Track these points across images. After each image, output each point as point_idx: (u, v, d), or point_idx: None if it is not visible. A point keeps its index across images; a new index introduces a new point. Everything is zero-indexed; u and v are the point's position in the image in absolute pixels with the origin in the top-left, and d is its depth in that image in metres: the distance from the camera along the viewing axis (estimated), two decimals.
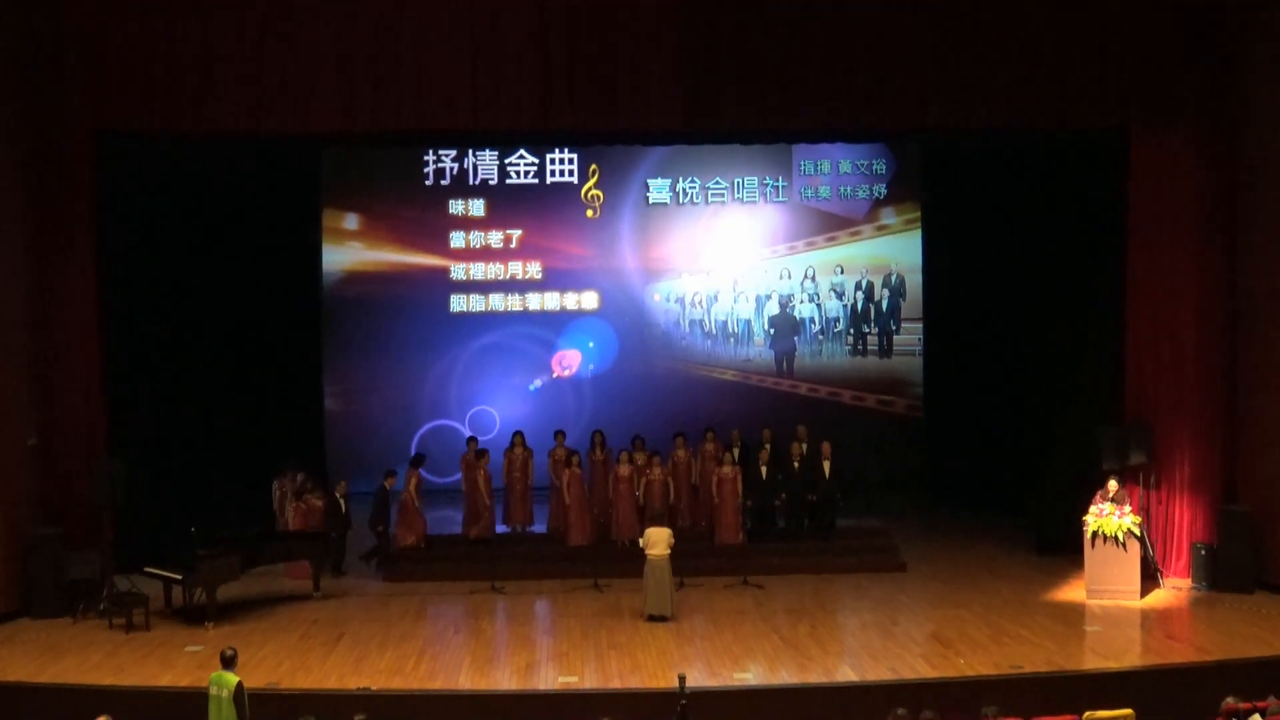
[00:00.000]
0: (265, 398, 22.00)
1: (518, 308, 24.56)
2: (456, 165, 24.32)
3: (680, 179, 24.51)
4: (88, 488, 17.12)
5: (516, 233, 24.45)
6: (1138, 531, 17.17)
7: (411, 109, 17.47)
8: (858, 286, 24.66)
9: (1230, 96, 17.86)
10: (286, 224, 22.91)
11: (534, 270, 24.51)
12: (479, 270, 24.49)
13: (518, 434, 20.27)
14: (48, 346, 17.56)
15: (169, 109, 17.31)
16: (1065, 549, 18.50)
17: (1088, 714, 11.83)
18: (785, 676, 14.37)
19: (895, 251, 24.68)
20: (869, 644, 15.42)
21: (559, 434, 20.33)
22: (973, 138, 20.42)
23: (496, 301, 24.52)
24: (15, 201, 17.25)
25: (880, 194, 24.59)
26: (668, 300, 24.69)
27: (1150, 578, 17.71)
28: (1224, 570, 17.57)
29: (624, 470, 19.32)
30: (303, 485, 19.44)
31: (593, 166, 24.30)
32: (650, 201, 24.54)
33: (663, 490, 19.26)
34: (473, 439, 20.70)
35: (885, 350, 24.82)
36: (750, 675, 14.44)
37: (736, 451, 20.07)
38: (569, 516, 19.25)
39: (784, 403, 24.27)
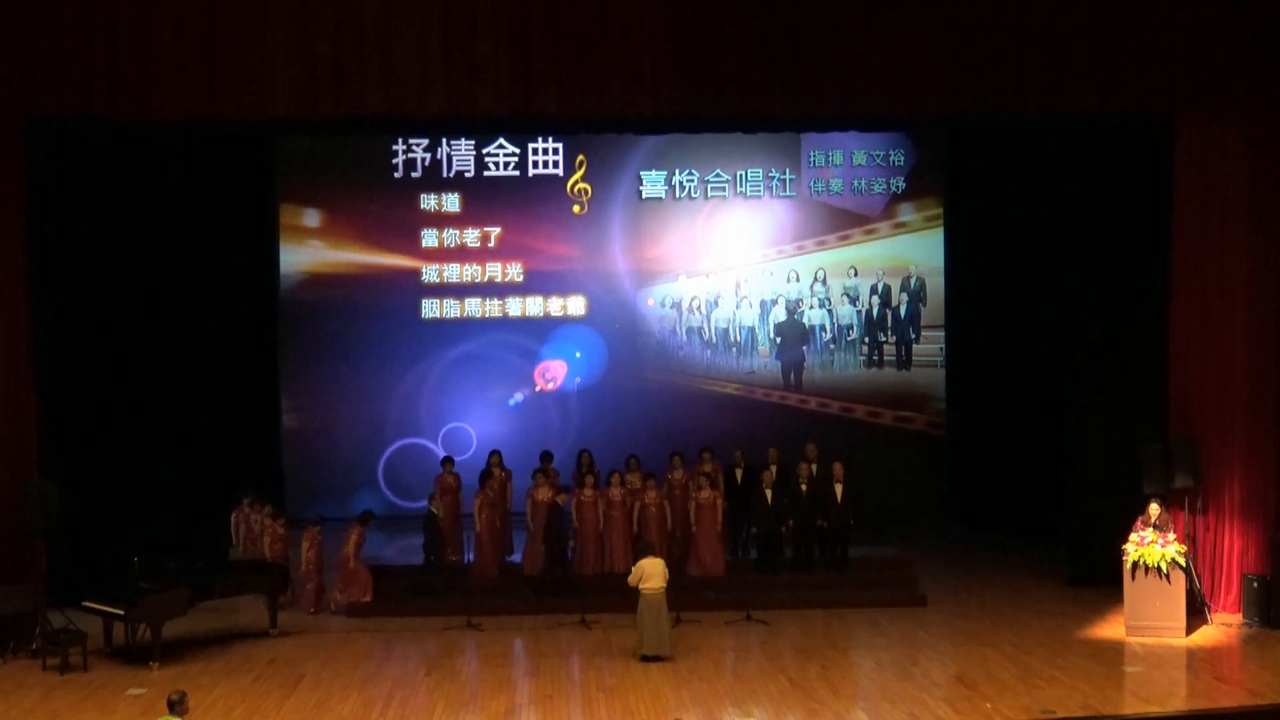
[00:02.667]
0: (216, 413, 22.03)
1: (496, 314, 24.57)
2: (428, 156, 24.34)
3: (677, 171, 24.54)
4: (17, 512, 17.05)
5: (495, 230, 24.46)
6: (1183, 562, 17.15)
7: (378, 92, 17.43)
8: (873, 290, 24.69)
9: None
10: (239, 221, 22.97)
11: (514, 272, 24.52)
12: (453, 272, 24.49)
13: (495, 454, 20.24)
14: None
15: (109, 94, 17.25)
16: (1102, 581, 18.49)
17: None
18: None
19: (915, 252, 24.72)
20: (886, 686, 15.40)
21: (546, 455, 20.32)
22: (1001, 125, 20.45)
23: (473, 307, 24.53)
24: None
25: (898, 188, 24.63)
26: (663, 305, 24.71)
27: (1197, 613, 17.70)
28: (1279, 605, 17.56)
29: (616, 494, 19.34)
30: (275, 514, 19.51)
31: (580, 157, 24.33)
32: (643, 196, 24.57)
33: (660, 517, 19.26)
34: (448, 459, 20.68)
35: (903, 361, 24.85)
36: None
37: (739, 473, 20.11)
38: (583, 545, 19.39)
39: (792, 419, 24.29)
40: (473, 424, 24.43)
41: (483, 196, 24.38)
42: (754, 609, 18.31)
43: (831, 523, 19.50)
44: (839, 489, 19.47)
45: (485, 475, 19.89)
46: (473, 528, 19.70)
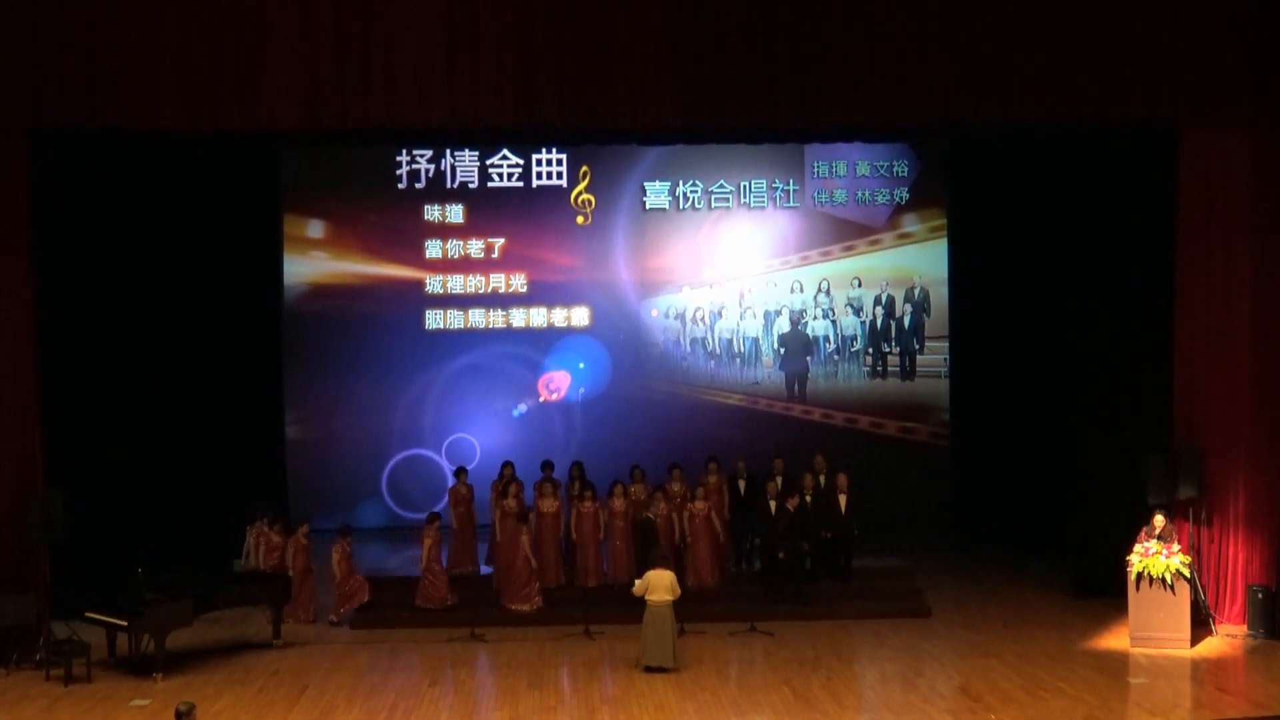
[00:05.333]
0: (220, 424, 22.01)
1: (500, 324, 24.60)
2: (432, 167, 24.39)
3: (680, 182, 24.58)
4: (21, 523, 17.07)
5: (499, 241, 24.51)
6: (1187, 572, 17.16)
7: (382, 103, 17.44)
8: (877, 301, 24.71)
9: None
10: (244, 231, 22.99)
11: (518, 283, 24.56)
12: (457, 283, 24.53)
13: (508, 464, 20.19)
14: None
15: (112, 105, 17.25)
16: (1107, 592, 18.47)
17: None
18: None
19: (918, 262, 24.75)
20: (889, 698, 15.39)
21: (547, 464, 20.33)
22: (1005, 135, 20.45)
23: (477, 318, 24.56)
24: None
25: (902, 199, 24.67)
26: (666, 316, 24.73)
27: (1201, 624, 17.69)
28: None
29: (618, 505, 19.36)
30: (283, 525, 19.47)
31: (583, 168, 24.38)
32: (647, 207, 24.61)
33: (667, 528, 19.26)
34: (462, 469, 20.64)
35: (907, 372, 24.86)
36: None
37: (743, 484, 20.12)
38: (584, 556, 19.41)
39: (796, 430, 24.30)
40: (476, 435, 24.46)
41: (487, 207, 24.42)
42: (758, 620, 18.29)
43: (836, 534, 19.50)
44: (843, 500, 19.48)
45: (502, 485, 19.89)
46: (488, 538, 19.81)
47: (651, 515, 19.17)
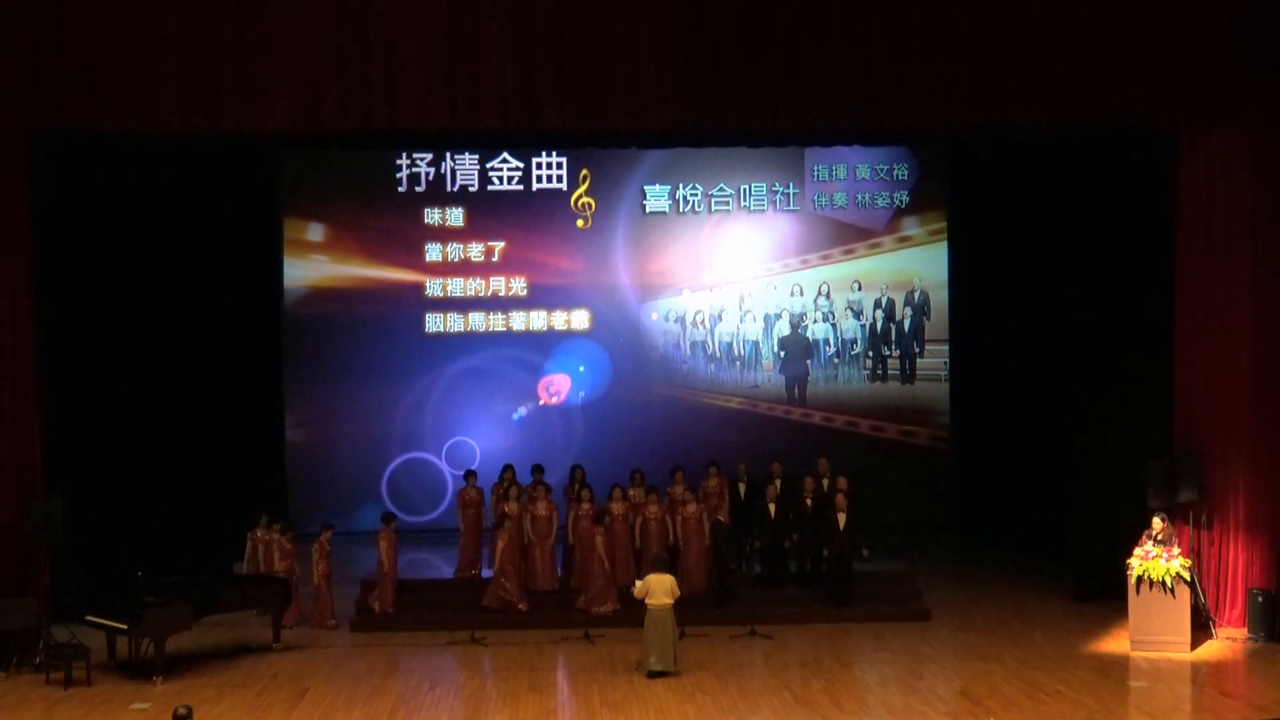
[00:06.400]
0: (220, 427, 22.00)
1: (500, 328, 24.57)
2: (433, 170, 24.36)
3: (680, 185, 24.55)
4: (20, 526, 17.05)
5: (499, 245, 24.47)
6: (1187, 576, 17.15)
7: (382, 106, 17.41)
8: (877, 304, 24.68)
9: None
10: (244, 235, 23.00)
11: (518, 286, 24.53)
12: (457, 286, 24.50)
13: (508, 467, 20.14)
14: None
15: (112, 106, 17.21)
16: (1107, 595, 18.47)
17: None
18: None
19: (919, 266, 24.71)
20: (890, 701, 15.37)
21: (538, 468, 20.23)
22: (1004, 138, 20.44)
23: (477, 321, 24.53)
24: None
25: (902, 202, 24.64)
26: (666, 320, 24.70)
27: (1201, 627, 17.67)
28: None
29: (617, 508, 19.32)
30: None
31: (584, 171, 24.35)
32: (647, 210, 24.58)
33: (661, 531, 19.23)
34: (471, 472, 20.54)
35: (907, 375, 24.83)
36: None
37: (743, 487, 20.07)
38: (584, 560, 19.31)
39: (795, 433, 24.27)
40: (476, 438, 24.42)
41: (487, 210, 24.39)
42: (758, 623, 18.29)
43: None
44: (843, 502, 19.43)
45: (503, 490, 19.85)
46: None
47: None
